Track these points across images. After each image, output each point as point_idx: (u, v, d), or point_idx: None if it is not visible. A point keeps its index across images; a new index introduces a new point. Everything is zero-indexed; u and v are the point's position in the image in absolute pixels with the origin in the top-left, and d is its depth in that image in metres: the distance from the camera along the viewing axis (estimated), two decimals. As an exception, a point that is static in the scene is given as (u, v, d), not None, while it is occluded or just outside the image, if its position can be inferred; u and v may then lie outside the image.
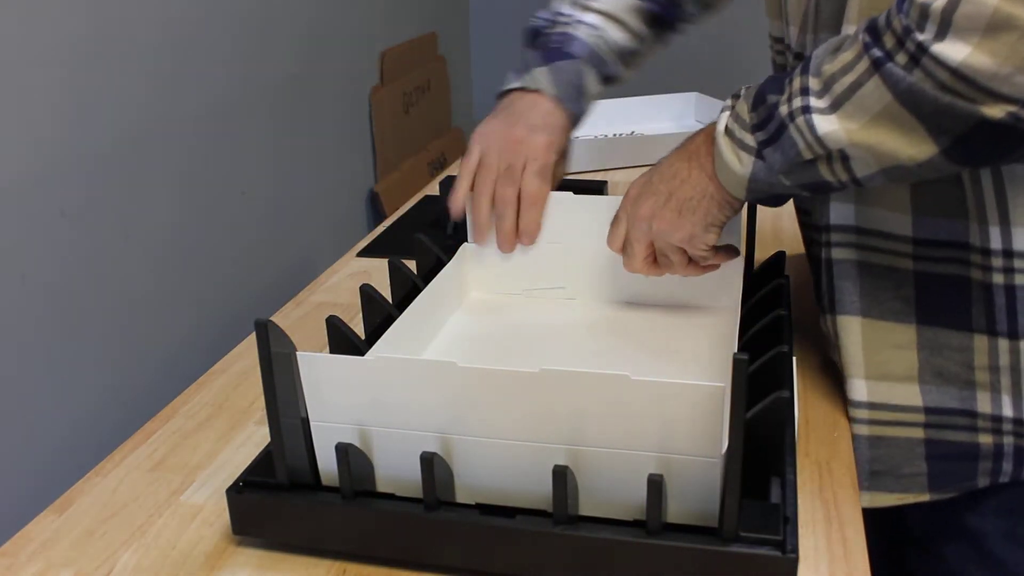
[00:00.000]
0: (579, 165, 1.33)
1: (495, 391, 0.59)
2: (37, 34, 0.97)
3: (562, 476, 0.57)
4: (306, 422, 0.63)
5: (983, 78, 0.57)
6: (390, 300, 0.82)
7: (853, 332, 0.76)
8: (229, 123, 1.32)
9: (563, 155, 0.91)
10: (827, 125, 0.64)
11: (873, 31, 0.62)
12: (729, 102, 0.74)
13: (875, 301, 0.75)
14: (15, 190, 0.95)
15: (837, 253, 0.76)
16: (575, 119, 0.92)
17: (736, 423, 0.54)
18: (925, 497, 0.76)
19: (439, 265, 0.88)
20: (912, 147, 0.61)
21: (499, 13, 2.32)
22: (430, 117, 2.07)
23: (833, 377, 0.82)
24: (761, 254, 0.93)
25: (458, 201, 0.89)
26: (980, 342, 0.72)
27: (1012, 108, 0.57)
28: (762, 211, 0.88)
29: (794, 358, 0.75)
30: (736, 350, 0.70)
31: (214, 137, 1.28)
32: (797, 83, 0.66)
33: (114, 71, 1.08)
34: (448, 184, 1.23)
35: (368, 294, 0.78)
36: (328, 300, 1.06)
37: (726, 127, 0.72)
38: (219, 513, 0.69)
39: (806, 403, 0.80)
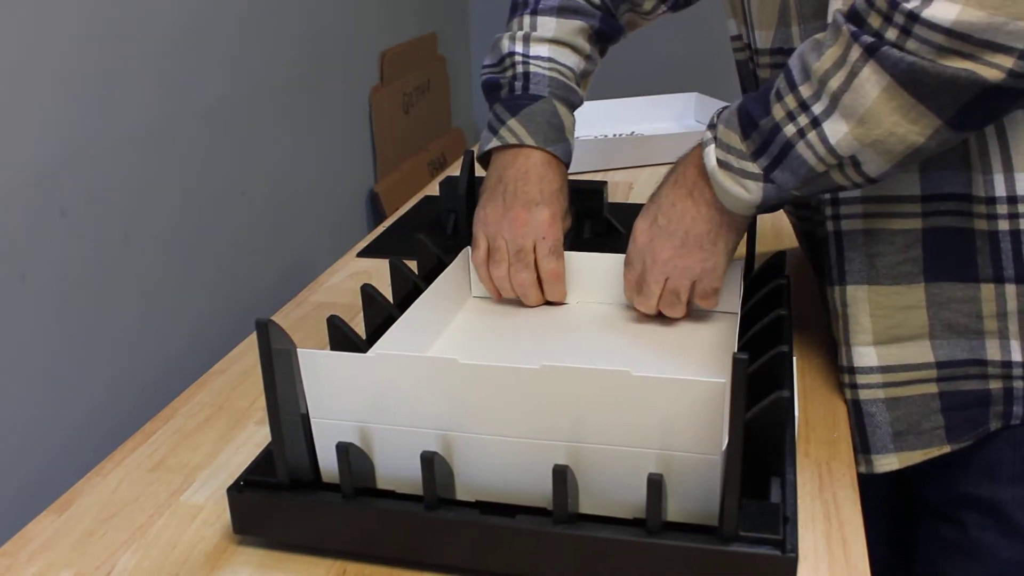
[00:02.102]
0: (579, 165, 1.33)
1: (496, 388, 0.59)
2: (37, 34, 0.97)
3: (562, 475, 0.57)
4: (306, 421, 0.63)
5: (979, 31, 0.57)
6: (391, 300, 0.82)
7: (860, 301, 0.76)
8: (229, 123, 1.32)
9: (567, 212, 0.91)
10: (836, 132, 0.64)
11: (855, 18, 0.62)
12: (708, 133, 0.74)
13: (884, 267, 0.75)
14: (15, 190, 0.95)
15: (846, 224, 0.76)
16: (566, 158, 0.91)
17: (736, 423, 0.54)
18: (947, 448, 0.77)
19: (440, 265, 0.88)
20: (917, 127, 0.62)
21: (499, 13, 2.32)
22: (430, 117, 2.07)
23: (833, 377, 0.82)
24: (761, 252, 0.93)
25: (492, 291, 0.90)
26: (987, 291, 0.73)
27: (1010, 62, 0.58)
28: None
29: (794, 358, 0.75)
30: (736, 350, 0.70)
31: (214, 137, 1.29)
32: (791, 99, 0.67)
33: (114, 71, 1.08)
34: (448, 184, 1.23)
35: (369, 294, 0.78)
36: (328, 300, 1.06)
37: (718, 161, 0.72)
38: (219, 513, 0.69)
39: (806, 403, 0.80)
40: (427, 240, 0.89)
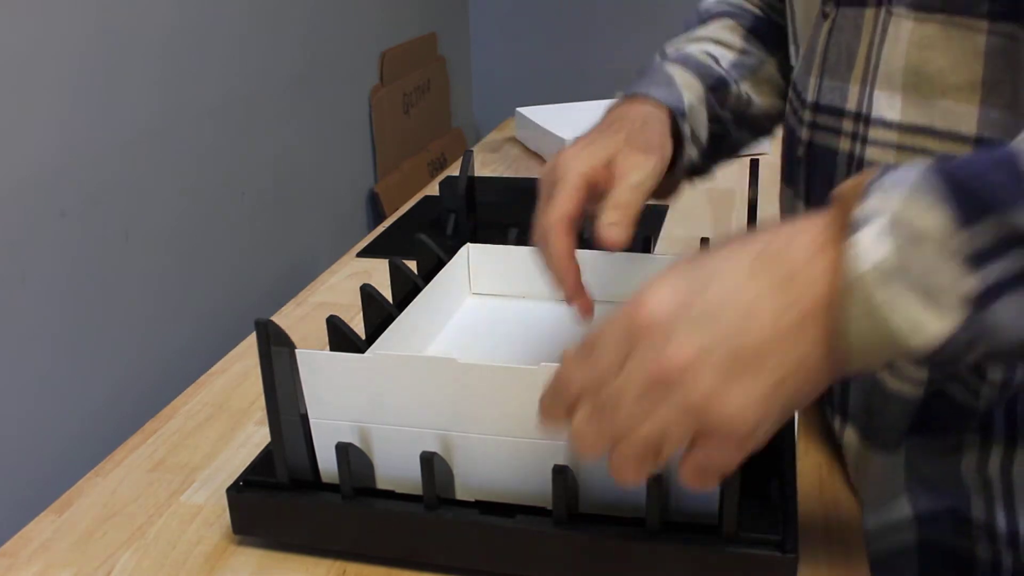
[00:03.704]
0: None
1: (495, 387, 0.59)
2: (37, 35, 0.97)
3: (562, 475, 0.57)
4: (306, 421, 0.63)
5: None
6: (391, 300, 0.82)
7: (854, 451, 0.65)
8: (229, 123, 1.32)
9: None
10: None
11: None
12: (871, 203, 0.40)
13: (874, 429, 0.64)
14: (15, 191, 0.95)
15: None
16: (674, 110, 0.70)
17: (736, 423, 0.53)
18: None
19: (439, 265, 0.88)
20: None
21: (499, 13, 2.32)
22: (430, 117, 2.07)
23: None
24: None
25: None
26: (970, 450, 0.60)
27: None
28: (763, 207, 0.84)
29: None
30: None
31: (214, 137, 1.28)
32: None
33: (114, 72, 1.08)
34: (448, 184, 1.23)
35: (369, 294, 0.78)
36: (328, 300, 1.06)
37: (885, 262, 0.39)
38: (219, 513, 0.69)
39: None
40: (427, 240, 0.89)
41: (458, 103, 2.24)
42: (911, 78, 0.53)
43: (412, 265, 0.87)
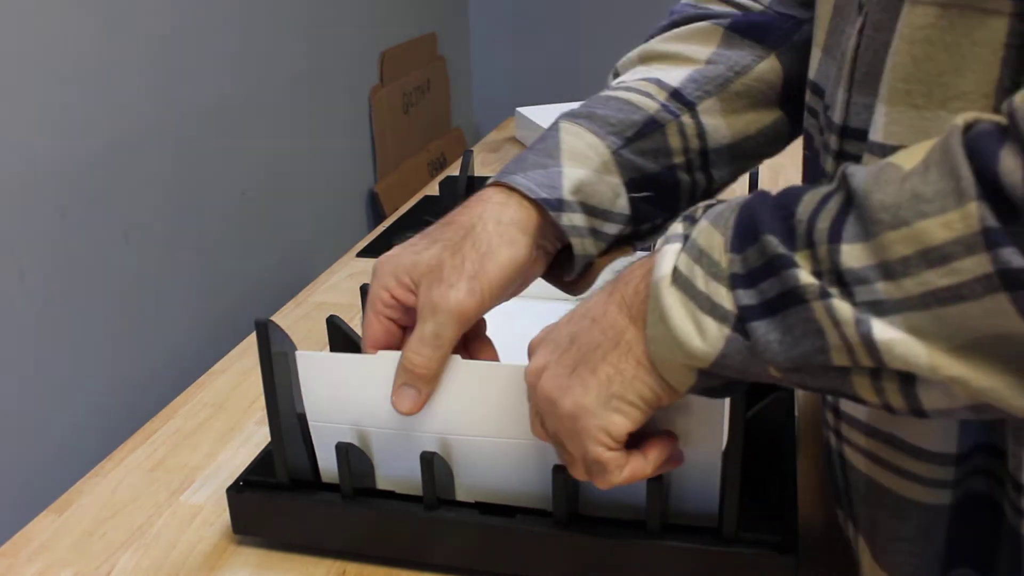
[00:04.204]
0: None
1: (495, 388, 0.59)
2: (36, 33, 0.97)
3: (562, 475, 0.57)
4: (305, 421, 0.63)
5: None
6: (390, 300, 0.82)
7: (866, 558, 0.53)
8: (229, 123, 1.32)
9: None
10: (889, 332, 0.37)
11: (1000, 201, 0.34)
12: (678, 227, 0.46)
13: (885, 544, 0.51)
14: (15, 190, 0.95)
15: (849, 452, 0.52)
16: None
17: (736, 423, 0.54)
18: None
19: (439, 265, 0.88)
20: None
21: (499, 13, 2.32)
22: (430, 117, 2.07)
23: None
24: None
25: None
26: None
27: None
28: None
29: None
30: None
31: (214, 137, 1.28)
32: (824, 250, 0.39)
33: (113, 71, 1.08)
34: (448, 184, 1.23)
35: (368, 294, 0.78)
36: (328, 300, 1.06)
37: (675, 271, 0.44)
38: (219, 513, 0.69)
39: (806, 403, 0.80)
40: (427, 240, 0.89)
41: (458, 103, 2.24)
42: (899, 83, 0.42)
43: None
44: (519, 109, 1.62)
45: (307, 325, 1.00)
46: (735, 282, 0.42)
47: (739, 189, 0.65)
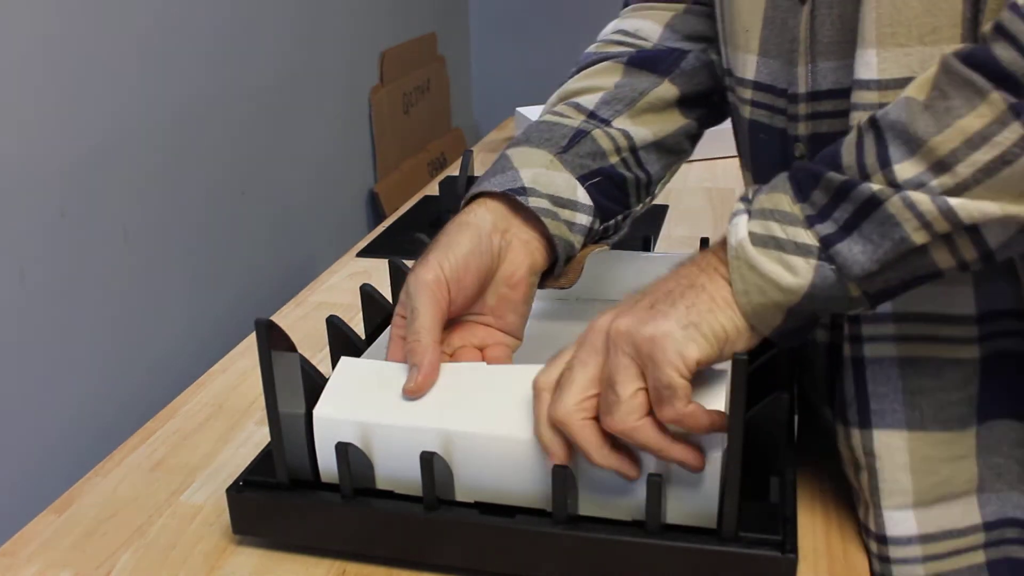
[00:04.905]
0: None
1: (495, 388, 0.59)
2: (37, 33, 0.97)
3: (562, 476, 0.57)
4: (306, 421, 0.63)
5: None
6: (390, 300, 0.82)
7: (898, 452, 0.59)
8: (229, 123, 1.32)
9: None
10: (968, 203, 0.46)
11: (1010, 81, 0.44)
12: (739, 205, 0.54)
13: (929, 408, 0.58)
14: (15, 190, 0.95)
15: (871, 350, 0.59)
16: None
17: (736, 423, 0.53)
18: None
19: (439, 265, 0.88)
20: None
21: (499, 13, 2.32)
22: (430, 117, 2.07)
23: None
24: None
25: None
26: None
27: None
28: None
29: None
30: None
31: (214, 137, 1.28)
32: (879, 177, 0.48)
33: (113, 71, 1.08)
34: (448, 184, 1.23)
35: (368, 294, 0.78)
36: (328, 300, 1.06)
37: (751, 234, 0.52)
38: (219, 513, 0.69)
39: (806, 403, 0.80)
40: (427, 240, 0.88)
41: (458, 103, 2.24)
42: (885, 28, 0.52)
43: (412, 265, 0.87)
44: (519, 109, 1.62)
45: (307, 325, 1.00)
46: (811, 221, 0.50)
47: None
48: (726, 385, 0.56)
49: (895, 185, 0.47)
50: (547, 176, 0.67)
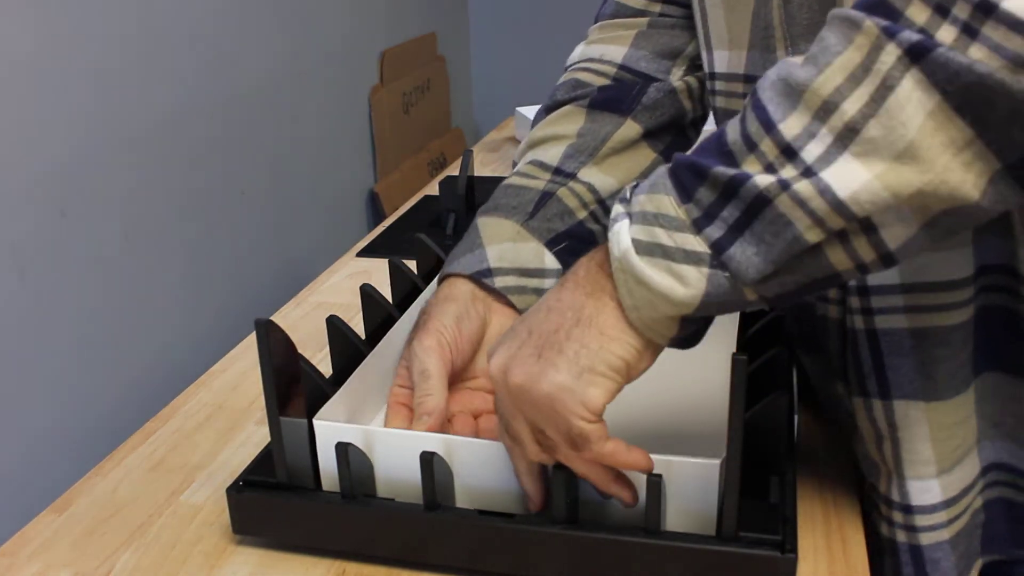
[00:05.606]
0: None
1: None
2: (37, 33, 0.97)
3: (562, 475, 0.57)
4: (308, 426, 0.63)
5: None
6: (390, 300, 0.82)
7: (916, 423, 0.60)
8: (229, 123, 1.32)
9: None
10: (849, 178, 0.43)
11: (882, 7, 0.42)
12: (618, 208, 0.51)
13: (944, 377, 0.59)
14: (15, 190, 0.95)
15: (883, 321, 0.59)
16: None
17: (735, 423, 0.54)
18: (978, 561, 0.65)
19: (439, 265, 0.88)
20: (971, 173, 0.42)
21: (499, 13, 2.32)
22: (430, 117, 2.07)
23: (833, 377, 0.82)
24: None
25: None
26: None
27: None
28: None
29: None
30: (735, 350, 0.70)
31: (214, 137, 1.28)
32: (768, 145, 0.45)
33: (113, 71, 1.08)
34: (448, 184, 1.23)
35: (368, 294, 0.78)
36: (328, 300, 1.06)
37: (635, 242, 0.49)
38: (219, 513, 0.69)
39: (806, 403, 0.80)
40: (427, 240, 0.89)
41: (458, 103, 2.24)
42: (768, 32, 0.54)
43: (412, 265, 0.87)
44: (519, 109, 1.62)
45: (307, 325, 1.00)
46: (699, 225, 0.47)
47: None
48: (735, 327, 0.61)
49: (785, 149, 0.44)
50: (514, 250, 0.71)
